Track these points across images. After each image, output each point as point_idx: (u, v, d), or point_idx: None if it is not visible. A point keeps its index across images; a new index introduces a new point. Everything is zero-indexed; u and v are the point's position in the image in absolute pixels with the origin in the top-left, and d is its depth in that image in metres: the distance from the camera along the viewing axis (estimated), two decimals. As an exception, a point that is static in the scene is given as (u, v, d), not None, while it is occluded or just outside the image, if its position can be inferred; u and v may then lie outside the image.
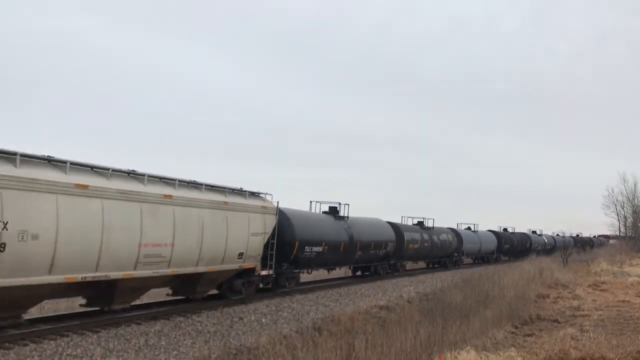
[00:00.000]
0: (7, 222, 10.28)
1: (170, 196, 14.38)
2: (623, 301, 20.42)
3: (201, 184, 16.06)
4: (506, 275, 26.61)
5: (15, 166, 10.65)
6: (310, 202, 24.66)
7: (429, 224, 35.81)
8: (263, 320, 16.37)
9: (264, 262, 18.68)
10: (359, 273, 28.82)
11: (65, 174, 11.75)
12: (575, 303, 19.54)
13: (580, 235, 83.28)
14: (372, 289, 24.82)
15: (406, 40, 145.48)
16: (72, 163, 12.04)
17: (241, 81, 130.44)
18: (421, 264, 37.94)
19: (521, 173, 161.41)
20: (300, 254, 20.90)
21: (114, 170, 13.17)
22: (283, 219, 19.89)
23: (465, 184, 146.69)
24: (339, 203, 25.02)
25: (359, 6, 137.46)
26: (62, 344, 11.52)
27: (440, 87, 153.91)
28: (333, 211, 24.93)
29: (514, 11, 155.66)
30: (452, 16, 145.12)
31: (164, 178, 14.90)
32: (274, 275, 19.47)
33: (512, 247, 51.22)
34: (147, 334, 13.21)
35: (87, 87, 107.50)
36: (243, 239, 17.37)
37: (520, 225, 62.91)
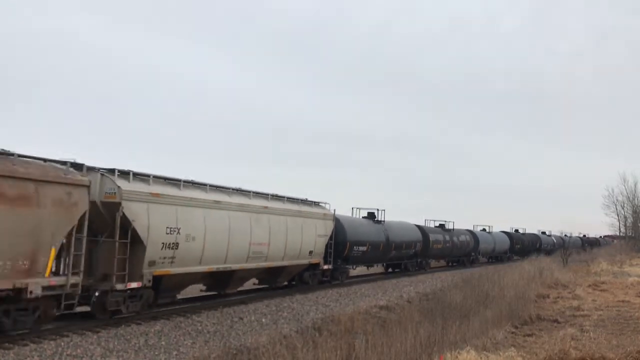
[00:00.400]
0: (179, 228, 14.87)
1: (266, 207, 19.14)
2: (623, 301, 20.41)
3: (283, 197, 20.83)
4: (506, 275, 26.58)
5: (179, 189, 15.36)
6: (352, 208, 29.62)
7: (449, 226, 40.01)
8: (263, 320, 16.38)
9: (325, 259, 23.31)
10: (390, 270, 33.43)
11: (206, 192, 16.42)
12: (575, 303, 19.53)
13: (586, 236, 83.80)
14: (372, 289, 24.83)
15: (406, 40, 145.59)
16: (210, 185, 16.81)
17: (241, 81, 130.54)
18: (442, 262, 41.49)
19: (521, 173, 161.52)
20: (350, 253, 25.38)
21: (233, 189, 18.01)
22: (337, 223, 24.34)
23: (465, 184, 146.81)
24: (377, 209, 29.61)
25: (359, 6, 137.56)
26: (62, 344, 11.53)
27: (440, 87, 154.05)
28: (371, 216, 29.55)
29: (514, 11, 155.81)
30: (452, 16, 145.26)
31: (260, 193, 19.40)
32: (332, 269, 23.93)
33: (523, 247, 54.94)
34: (147, 334, 13.20)
35: (87, 87, 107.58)
36: (312, 240, 21.93)
37: (520, 225, 63.00)
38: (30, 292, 11.02)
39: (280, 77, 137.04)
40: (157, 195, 14.32)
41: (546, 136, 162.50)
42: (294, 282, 22.62)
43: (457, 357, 10.03)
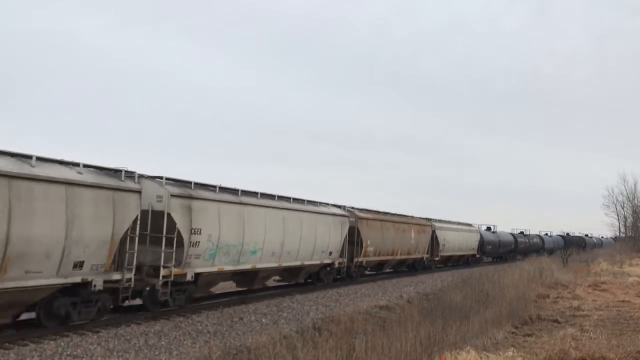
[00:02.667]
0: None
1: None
2: (623, 301, 20.40)
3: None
4: (506, 275, 26.58)
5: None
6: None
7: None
8: (263, 320, 16.38)
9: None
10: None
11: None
12: (575, 303, 19.52)
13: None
14: (372, 289, 24.84)
15: (406, 41, 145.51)
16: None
17: (241, 81, 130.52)
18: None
19: (521, 173, 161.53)
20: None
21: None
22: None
23: (464, 184, 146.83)
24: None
25: (359, 6, 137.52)
26: (62, 344, 11.53)
27: (440, 87, 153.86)
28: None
29: (514, 12, 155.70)
30: (452, 16, 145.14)
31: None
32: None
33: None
34: (147, 334, 13.21)
35: (86, 87, 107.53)
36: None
37: (521, 225, 63.48)
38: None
39: (280, 77, 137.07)
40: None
41: (546, 136, 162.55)
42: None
43: (456, 357, 10.02)
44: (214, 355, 12.08)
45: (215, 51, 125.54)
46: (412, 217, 34.69)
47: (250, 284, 19.89)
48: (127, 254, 13.52)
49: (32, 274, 11.14)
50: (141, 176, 14.65)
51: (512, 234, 57.54)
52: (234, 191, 18.17)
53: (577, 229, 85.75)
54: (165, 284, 14.94)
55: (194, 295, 16.54)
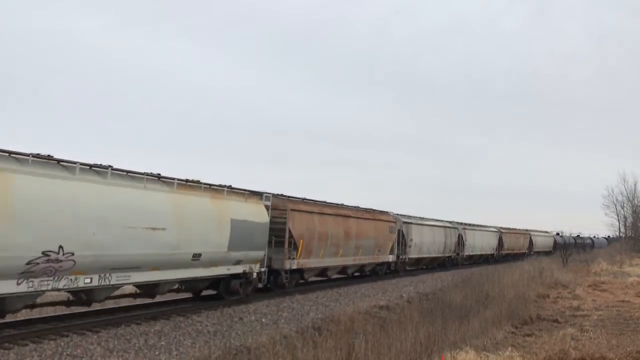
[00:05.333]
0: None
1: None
2: (623, 301, 20.39)
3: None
4: (506, 275, 26.59)
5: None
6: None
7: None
8: (263, 320, 16.37)
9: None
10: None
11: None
12: (575, 303, 19.52)
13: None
14: (372, 289, 24.84)
15: (406, 41, 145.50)
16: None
17: (241, 81, 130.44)
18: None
19: (521, 173, 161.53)
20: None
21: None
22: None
23: (464, 184, 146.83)
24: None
25: (359, 6, 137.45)
26: (62, 344, 11.52)
27: (440, 87, 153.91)
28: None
29: (514, 12, 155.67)
30: (452, 16, 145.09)
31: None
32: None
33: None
34: (147, 334, 13.21)
35: (86, 87, 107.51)
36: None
37: (520, 224, 63.52)
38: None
39: (280, 77, 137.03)
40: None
41: (546, 136, 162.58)
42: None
43: (456, 357, 10.02)
44: (214, 355, 12.07)
45: (215, 51, 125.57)
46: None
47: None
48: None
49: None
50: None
51: (573, 237, 73.57)
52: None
53: (575, 229, 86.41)
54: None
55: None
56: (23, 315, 12.86)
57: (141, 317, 14.53)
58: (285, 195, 21.49)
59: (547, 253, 62.46)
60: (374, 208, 29.34)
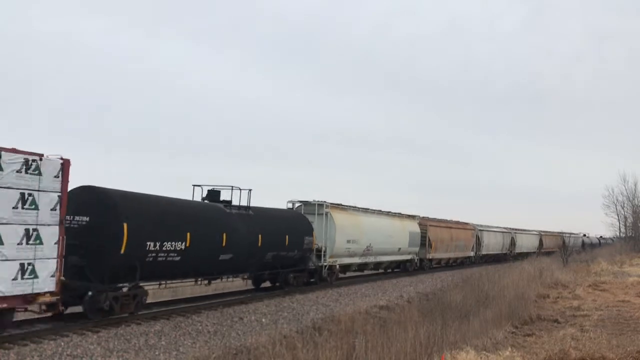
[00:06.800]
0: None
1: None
2: (623, 301, 20.38)
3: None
4: (506, 275, 26.58)
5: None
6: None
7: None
8: (263, 320, 16.37)
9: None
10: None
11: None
12: (575, 303, 19.51)
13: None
14: (372, 288, 24.83)
15: (406, 41, 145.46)
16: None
17: (241, 81, 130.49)
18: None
19: (521, 173, 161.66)
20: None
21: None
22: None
23: (464, 184, 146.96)
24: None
25: (359, 6, 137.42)
26: (62, 344, 11.52)
27: (440, 88, 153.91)
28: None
29: (513, 12, 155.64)
30: (451, 17, 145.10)
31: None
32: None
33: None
34: (147, 334, 13.20)
35: (86, 87, 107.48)
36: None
37: (521, 225, 63.90)
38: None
39: (280, 77, 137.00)
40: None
41: (546, 136, 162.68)
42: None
43: (456, 357, 10.01)
44: (214, 355, 12.08)
45: (215, 52, 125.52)
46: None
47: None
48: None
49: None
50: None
51: (597, 238, 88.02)
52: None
53: (575, 229, 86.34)
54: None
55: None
56: (23, 315, 12.85)
57: (141, 317, 14.52)
58: (424, 216, 36.96)
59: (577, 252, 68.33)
60: (458, 220, 43.91)
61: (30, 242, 11.21)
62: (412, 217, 34.45)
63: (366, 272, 29.98)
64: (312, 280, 23.10)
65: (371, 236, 27.18)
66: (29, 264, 11.16)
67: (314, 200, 24.21)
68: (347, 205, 26.59)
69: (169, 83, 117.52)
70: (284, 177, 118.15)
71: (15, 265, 10.93)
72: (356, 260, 26.65)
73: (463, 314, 16.44)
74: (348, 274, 27.79)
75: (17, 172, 10.98)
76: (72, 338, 11.99)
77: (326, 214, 23.92)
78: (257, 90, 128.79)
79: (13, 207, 10.90)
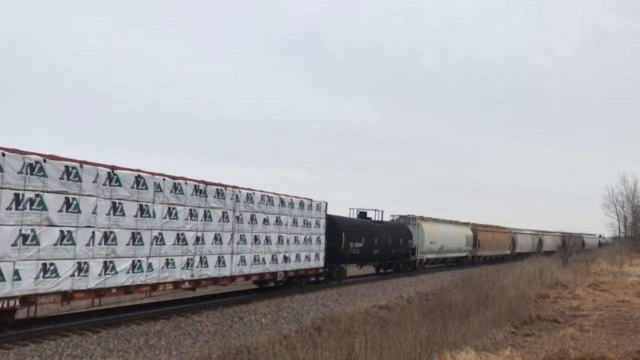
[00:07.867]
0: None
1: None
2: (623, 301, 20.36)
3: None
4: (506, 275, 26.58)
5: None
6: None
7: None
8: (263, 320, 16.37)
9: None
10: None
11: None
12: (575, 303, 19.49)
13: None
14: (372, 288, 24.83)
15: (406, 41, 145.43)
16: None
17: (241, 81, 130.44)
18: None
19: (520, 173, 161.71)
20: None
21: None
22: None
23: (464, 184, 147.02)
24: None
25: (359, 6, 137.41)
26: (62, 344, 11.52)
27: (440, 87, 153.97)
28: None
29: (513, 13, 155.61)
30: (452, 17, 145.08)
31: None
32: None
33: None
34: (147, 334, 13.20)
35: (87, 87, 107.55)
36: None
37: (519, 224, 64.03)
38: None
39: (280, 77, 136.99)
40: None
41: (546, 136, 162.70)
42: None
43: (456, 357, 10.01)
44: (214, 355, 12.08)
45: (215, 52, 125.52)
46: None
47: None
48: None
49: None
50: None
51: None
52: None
53: (575, 229, 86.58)
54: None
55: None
56: (23, 315, 12.86)
57: (141, 317, 14.53)
58: (475, 223, 47.39)
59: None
60: (495, 224, 53.24)
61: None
62: (466, 224, 45.91)
63: (433, 266, 39.64)
64: (408, 269, 33.71)
65: (443, 239, 38.60)
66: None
67: (408, 214, 35.40)
68: (428, 217, 37.72)
69: (169, 83, 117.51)
70: (284, 177, 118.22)
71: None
72: (434, 255, 38.18)
73: (463, 314, 16.44)
74: (350, 274, 28.76)
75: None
76: (72, 338, 11.99)
77: (417, 224, 34.90)
78: (257, 91, 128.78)
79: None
